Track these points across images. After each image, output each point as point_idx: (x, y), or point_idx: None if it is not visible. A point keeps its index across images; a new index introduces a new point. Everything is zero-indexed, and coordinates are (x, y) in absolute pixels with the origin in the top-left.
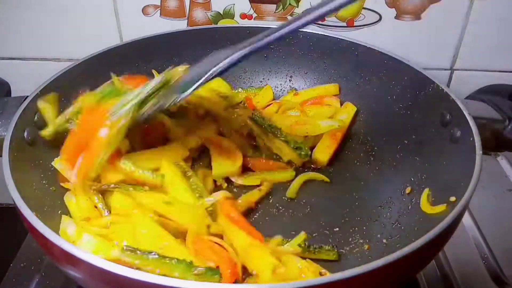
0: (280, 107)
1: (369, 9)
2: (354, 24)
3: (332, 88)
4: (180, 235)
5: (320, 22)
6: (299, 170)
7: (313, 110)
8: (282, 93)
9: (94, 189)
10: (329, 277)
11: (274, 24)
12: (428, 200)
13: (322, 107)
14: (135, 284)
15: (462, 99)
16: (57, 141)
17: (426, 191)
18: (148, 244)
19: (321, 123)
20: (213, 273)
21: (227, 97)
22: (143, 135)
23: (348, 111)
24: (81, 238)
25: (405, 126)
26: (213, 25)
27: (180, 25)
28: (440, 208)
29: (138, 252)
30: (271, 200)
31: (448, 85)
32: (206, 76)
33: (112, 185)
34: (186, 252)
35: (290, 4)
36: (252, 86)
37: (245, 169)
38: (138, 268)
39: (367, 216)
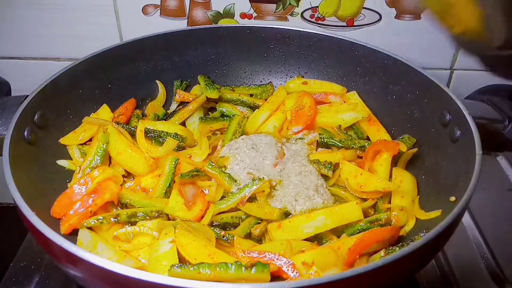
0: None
1: (369, 9)
2: (354, 24)
3: (339, 88)
4: None
5: (320, 22)
6: None
7: (324, 109)
8: None
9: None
10: (329, 276)
11: (274, 24)
12: (420, 206)
13: (330, 107)
14: (135, 283)
15: (462, 99)
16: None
17: (416, 198)
18: (193, 255)
19: (344, 117)
20: (263, 266)
21: None
22: None
23: (355, 100)
24: (96, 248)
25: (405, 126)
26: (213, 25)
27: (180, 24)
28: (435, 213)
29: (190, 268)
30: None
31: (448, 85)
32: None
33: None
34: (230, 257)
35: (290, 3)
36: (254, 84)
37: None
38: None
39: None
